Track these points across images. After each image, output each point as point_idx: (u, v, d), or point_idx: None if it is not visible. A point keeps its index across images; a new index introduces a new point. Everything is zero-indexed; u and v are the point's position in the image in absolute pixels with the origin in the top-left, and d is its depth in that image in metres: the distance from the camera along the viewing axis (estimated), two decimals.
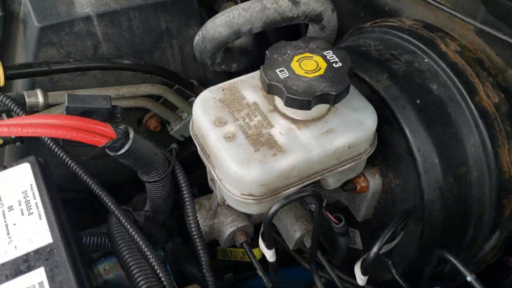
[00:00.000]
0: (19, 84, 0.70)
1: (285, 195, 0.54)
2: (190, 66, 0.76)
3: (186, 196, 0.61)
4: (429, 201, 0.60)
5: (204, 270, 0.58)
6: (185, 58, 0.74)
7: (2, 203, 0.49)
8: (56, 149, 0.56)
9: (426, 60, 0.64)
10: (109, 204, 0.56)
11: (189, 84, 0.74)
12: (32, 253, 0.45)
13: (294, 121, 0.56)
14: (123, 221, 0.55)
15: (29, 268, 0.44)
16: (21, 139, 0.65)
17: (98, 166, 0.75)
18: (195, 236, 0.58)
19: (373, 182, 0.66)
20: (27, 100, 0.63)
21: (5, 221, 0.47)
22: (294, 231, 0.65)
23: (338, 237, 0.65)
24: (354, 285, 0.66)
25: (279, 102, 0.57)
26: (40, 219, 0.48)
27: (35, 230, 0.47)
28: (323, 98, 0.52)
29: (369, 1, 0.82)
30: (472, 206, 0.62)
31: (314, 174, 0.56)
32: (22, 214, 0.48)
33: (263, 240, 0.52)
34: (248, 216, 0.66)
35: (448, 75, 0.62)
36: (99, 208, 0.65)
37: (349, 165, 0.58)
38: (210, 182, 0.65)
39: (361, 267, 0.55)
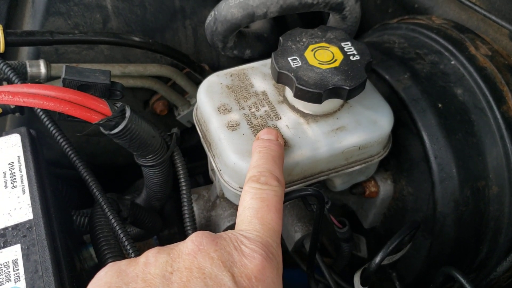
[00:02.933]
0: (24, 54, 0.68)
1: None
2: (203, 49, 0.72)
3: (183, 184, 0.57)
4: (441, 213, 0.56)
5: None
6: (198, 40, 0.71)
7: None
8: (47, 123, 0.53)
9: (452, 63, 0.60)
10: (95, 191, 0.53)
11: (200, 68, 0.71)
12: (10, 228, 0.42)
13: (303, 114, 0.52)
14: (107, 211, 0.52)
15: (5, 244, 0.41)
16: (21, 109, 0.63)
17: (100, 145, 0.73)
18: (188, 227, 0.55)
19: (384, 187, 0.61)
20: (28, 69, 0.61)
21: None
22: (295, 232, 0.62)
23: (341, 243, 0.61)
24: None
25: (289, 93, 0.53)
26: (23, 193, 0.45)
27: (16, 205, 0.44)
28: (335, 92, 0.48)
29: None
30: (488, 224, 0.57)
31: (320, 173, 0.53)
32: (6, 186, 0.45)
33: None
34: None
35: (475, 80, 0.58)
36: None
37: (358, 167, 0.54)
38: (210, 172, 0.62)
39: (361, 277, 0.51)
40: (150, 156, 0.54)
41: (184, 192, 0.57)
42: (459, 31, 0.62)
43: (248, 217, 0.40)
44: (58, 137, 0.52)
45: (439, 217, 0.56)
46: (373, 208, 0.64)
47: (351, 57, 0.50)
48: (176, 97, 0.74)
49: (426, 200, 0.58)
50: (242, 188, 0.51)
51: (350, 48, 0.51)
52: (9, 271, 0.40)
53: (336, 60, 0.50)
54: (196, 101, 0.76)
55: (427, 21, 0.66)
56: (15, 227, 0.43)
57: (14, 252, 0.41)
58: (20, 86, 0.47)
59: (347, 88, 0.47)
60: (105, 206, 0.50)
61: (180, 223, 0.70)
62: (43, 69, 0.61)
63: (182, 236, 0.73)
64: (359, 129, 0.52)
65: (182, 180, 0.57)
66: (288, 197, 0.47)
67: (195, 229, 0.57)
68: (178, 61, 0.69)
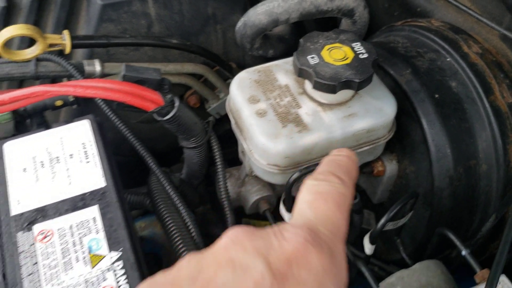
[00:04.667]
0: (78, 54, 0.79)
1: None
2: (231, 50, 0.83)
3: (218, 163, 0.68)
4: (438, 188, 0.66)
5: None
6: (227, 42, 0.82)
7: (64, 151, 0.57)
8: (108, 112, 0.64)
9: (448, 59, 0.70)
10: (151, 164, 0.64)
11: (228, 67, 0.82)
12: (88, 194, 0.53)
13: (320, 104, 0.63)
14: (163, 180, 0.63)
15: (85, 205, 0.52)
16: (78, 101, 0.74)
17: (143, 133, 0.84)
18: (224, 198, 0.65)
19: (390, 167, 0.72)
20: (86, 68, 0.72)
21: (67, 166, 0.56)
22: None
23: (353, 214, 0.71)
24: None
25: (308, 86, 0.63)
26: (96, 167, 0.56)
27: (91, 176, 0.55)
28: (347, 84, 0.58)
29: (404, 1, 0.87)
30: (479, 197, 0.67)
31: None
32: (81, 161, 0.56)
33: (284, 204, 0.59)
34: (272, 188, 0.73)
35: (467, 74, 0.67)
36: (140, 172, 0.73)
37: (367, 147, 0.64)
38: (240, 155, 0.72)
39: (370, 238, 0.61)
40: (192, 139, 0.65)
41: (219, 170, 0.67)
42: (454, 32, 0.72)
43: (299, 210, 0.36)
44: (118, 122, 0.63)
45: (436, 191, 0.66)
46: (381, 186, 0.74)
47: (360, 55, 0.60)
48: (208, 92, 0.85)
49: (426, 177, 0.67)
50: (269, 164, 0.62)
51: (360, 48, 0.61)
52: (90, 226, 0.51)
53: (347, 58, 0.60)
54: (224, 95, 0.87)
55: (427, 23, 0.76)
56: (92, 193, 0.54)
57: (93, 211, 0.52)
58: (91, 81, 0.58)
59: (357, 81, 0.58)
60: (160, 176, 0.61)
61: (212, 201, 0.81)
62: (98, 67, 0.72)
63: (214, 211, 0.84)
64: (368, 115, 0.62)
65: (218, 160, 0.68)
66: (308, 169, 0.57)
67: (229, 200, 0.67)
68: (210, 60, 0.79)
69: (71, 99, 0.73)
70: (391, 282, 0.54)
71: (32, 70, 0.69)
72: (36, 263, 0.48)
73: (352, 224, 0.73)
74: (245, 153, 0.67)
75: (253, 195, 0.72)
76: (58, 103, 0.73)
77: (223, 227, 0.70)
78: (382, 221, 0.59)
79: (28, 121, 0.73)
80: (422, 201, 0.69)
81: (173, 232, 0.60)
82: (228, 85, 0.85)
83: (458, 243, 0.56)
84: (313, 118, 0.61)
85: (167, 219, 0.61)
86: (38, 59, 0.70)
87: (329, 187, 0.37)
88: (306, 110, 0.62)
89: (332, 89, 0.58)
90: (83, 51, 0.77)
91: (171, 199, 0.62)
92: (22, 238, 0.50)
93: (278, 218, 0.65)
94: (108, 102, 0.64)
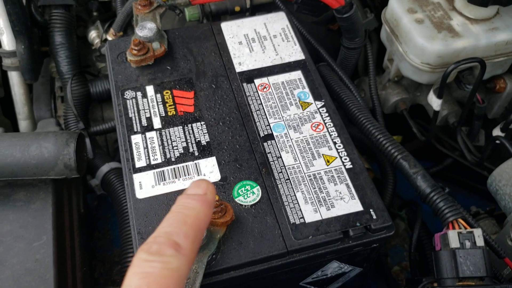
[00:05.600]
0: None
1: None
2: None
3: (371, 65, 0.83)
4: None
5: (378, 116, 0.81)
6: None
7: (269, 33, 0.74)
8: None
9: None
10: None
11: None
12: (292, 63, 0.70)
13: (468, 18, 0.77)
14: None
15: (290, 70, 0.69)
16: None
17: None
18: (374, 95, 0.81)
19: (510, 84, 0.85)
20: None
21: (272, 43, 0.72)
22: (441, 110, 0.87)
23: (475, 121, 0.85)
24: None
25: (458, 2, 0.77)
26: (295, 45, 0.72)
27: (293, 51, 0.71)
28: (497, 0, 0.72)
29: None
30: None
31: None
32: (283, 40, 0.73)
33: (434, 92, 0.74)
34: (409, 92, 0.88)
35: None
36: None
37: (502, 58, 0.78)
38: (386, 62, 0.87)
39: (500, 127, 0.75)
40: (357, 39, 0.80)
41: (371, 70, 0.83)
42: None
43: None
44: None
45: None
46: (499, 101, 0.87)
47: None
48: None
49: None
50: (423, 63, 0.77)
51: None
52: (297, 83, 0.68)
53: None
54: (372, 15, 1.01)
55: None
56: (295, 62, 0.70)
57: (298, 74, 0.69)
58: None
59: None
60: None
61: None
62: None
63: None
64: (508, 30, 0.75)
65: (371, 63, 0.83)
66: (460, 63, 0.71)
67: (377, 95, 0.83)
68: None
69: (248, 5, 0.90)
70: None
71: None
72: (260, 103, 0.65)
73: (472, 130, 0.87)
74: (395, 58, 0.82)
75: (393, 96, 0.87)
76: (237, 8, 0.90)
77: None
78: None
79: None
80: None
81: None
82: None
83: None
84: (463, 28, 0.75)
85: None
86: None
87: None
88: (457, 22, 0.76)
89: (484, 2, 0.72)
90: None
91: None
92: (247, 87, 0.67)
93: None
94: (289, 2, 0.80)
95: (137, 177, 0.58)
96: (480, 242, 0.55)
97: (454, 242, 0.55)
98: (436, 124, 0.83)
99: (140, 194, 0.57)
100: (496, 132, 0.75)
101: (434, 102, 0.75)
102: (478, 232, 0.55)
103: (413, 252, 0.74)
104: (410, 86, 0.89)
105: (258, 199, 0.56)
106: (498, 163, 0.81)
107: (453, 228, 0.57)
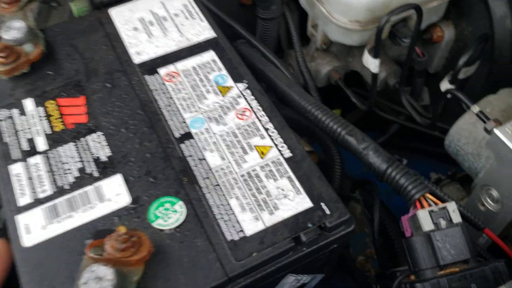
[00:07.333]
0: None
1: None
2: None
3: (293, 34, 0.73)
4: (498, 40, 0.72)
5: (311, 91, 0.71)
6: None
7: (169, 12, 0.61)
8: None
9: None
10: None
11: None
12: (202, 43, 0.58)
13: None
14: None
15: (201, 51, 0.57)
16: None
17: None
18: (303, 69, 0.70)
19: (448, 31, 0.77)
20: None
21: (174, 22, 0.60)
22: (380, 72, 0.78)
23: (416, 78, 0.77)
24: None
25: None
26: (202, 21, 0.60)
27: (200, 28, 0.59)
28: None
29: None
30: None
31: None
32: (187, 18, 0.60)
33: (369, 52, 0.65)
34: (340, 59, 0.79)
35: None
36: None
37: (436, 3, 0.69)
38: (310, 29, 0.77)
39: (450, 78, 0.67)
40: (273, 7, 0.69)
41: (296, 43, 0.72)
42: None
43: None
44: None
45: (497, 43, 0.72)
46: (438, 52, 0.79)
47: None
48: None
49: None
50: (351, 21, 0.67)
51: None
52: (212, 66, 0.56)
53: None
54: None
55: None
56: (206, 41, 0.58)
57: (211, 55, 0.57)
58: None
59: None
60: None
61: None
62: None
63: None
64: None
65: (295, 39, 0.72)
66: (393, 13, 0.62)
67: (307, 69, 0.72)
68: None
69: None
70: (482, 106, 0.59)
71: None
72: (170, 97, 0.53)
73: (414, 88, 0.79)
74: (319, 22, 0.72)
75: (324, 66, 0.78)
76: None
77: None
78: (460, 63, 0.65)
79: None
80: (482, 59, 0.75)
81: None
82: None
83: None
84: None
85: None
86: None
87: None
88: None
89: None
90: None
91: None
92: (150, 80, 0.55)
93: None
94: None
95: (21, 219, 0.44)
96: (456, 218, 0.45)
97: (426, 224, 0.45)
98: (376, 89, 0.75)
99: (28, 240, 0.43)
100: (445, 85, 0.67)
101: (371, 63, 0.66)
102: (452, 206, 0.46)
103: (377, 237, 0.65)
104: (340, 52, 0.80)
105: (182, 218, 0.44)
106: (450, 120, 0.73)
107: (422, 206, 0.47)
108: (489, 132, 0.55)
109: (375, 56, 0.65)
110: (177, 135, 0.50)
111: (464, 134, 0.61)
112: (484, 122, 0.55)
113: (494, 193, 0.56)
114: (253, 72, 0.59)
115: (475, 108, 0.57)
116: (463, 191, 0.67)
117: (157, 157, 0.48)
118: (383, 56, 0.79)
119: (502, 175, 0.54)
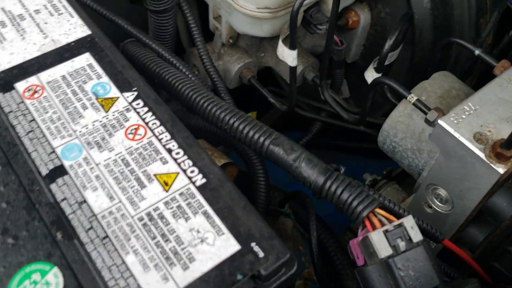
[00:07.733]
0: None
1: None
2: None
3: (194, 30, 0.61)
4: (419, 20, 0.65)
5: (222, 94, 0.59)
6: None
7: (27, 8, 0.47)
8: None
9: None
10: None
11: None
12: (72, 44, 0.44)
13: None
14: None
15: (73, 55, 0.43)
16: None
17: None
18: (210, 68, 0.58)
19: (364, 15, 0.70)
20: None
21: (34, 21, 0.46)
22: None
23: (335, 70, 0.69)
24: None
25: None
26: (72, 17, 0.46)
27: (70, 26, 0.46)
28: None
29: None
30: (454, 27, 0.68)
31: None
32: (51, 15, 0.46)
33: (284, 43, 0.55)
34: (251, 55, 0.68)
35: None
36: None
37: None
38: (212, 23, 0.66)
39: (376, 65, 0.59)
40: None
41: (198, 38, 0.60)
42: None
43: None
44: None
45: (417, 24, 0.65)
46: (355, 39, 0.72)
47: None
48: None
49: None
50: (259, 8, 0.57)
51: None
52: (89, 73, 0.42)
53: None
54: None
55: None
56: (78, 41, 0.45)
57: (86, 58, 0.43)
58: None
59: None
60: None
61: None
62: None
63: None
64: None
65: (196, 34, 0.60)
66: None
67: (214, 68, 0.61)
68: None
69: None
70: (417, 94, 0.52)
71: None
72: (33, 119, 0.39)
73: (333, 81, 0.71)
74: (222, 13, 0.61)
75: (234, 64, 0.67)
76: None
77: None
78: (386, 47, 0.57)
79: None
80: (404, 42, 0.68)
81: None
82: None
83: (469, 45, 0.55)
84: None
85: None
86: None
87: None
88: None
89: None
90: None
91: None
92: (5, 98, 0.40)
93: None
94: None
95: None
96: (416, 235, 0.37)
97: (383, 248, 0.36)
98: (296, 85, 0.65)
99: None
100: (371, 75, 0.59)
101: (288, 55, 0.56)
102: (409, 222, 0.37)
103: (316, 255, 0.56)
104: (250, 46, 0.69)
105: None
106: (374, 112, 0.66)
107: (373, 226, 0.38)
108: (431, 123, 0.47)
109: (291, 47, 0.55)
110: (44, 171, 0.36)
111: (401, 128, 0.53)
112: (425, 112, 0.47)
113: (442, 192, 0.49)
114: (146, 76, 0.46)
115: (412, 97, 0.49)
116: (403, 192, 0.60)
117: (17, 206, 0.34)
118: (298, 48, 0.70)
119: (450, 171, 0.47)
